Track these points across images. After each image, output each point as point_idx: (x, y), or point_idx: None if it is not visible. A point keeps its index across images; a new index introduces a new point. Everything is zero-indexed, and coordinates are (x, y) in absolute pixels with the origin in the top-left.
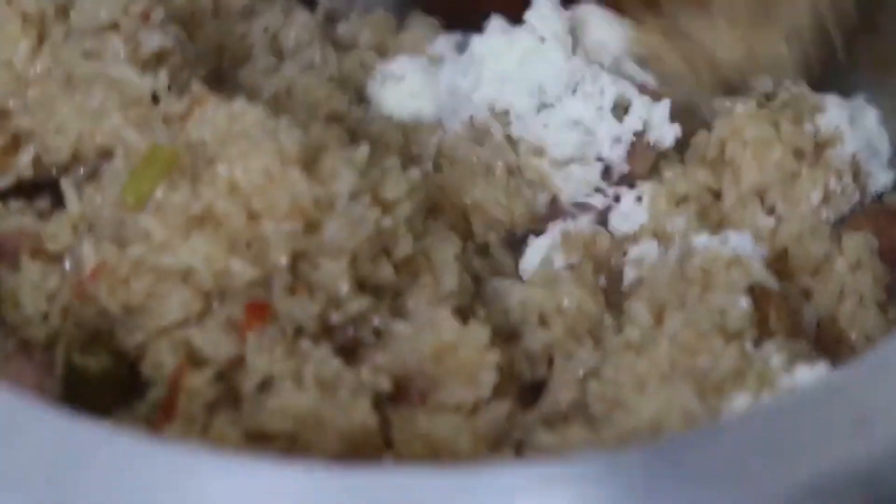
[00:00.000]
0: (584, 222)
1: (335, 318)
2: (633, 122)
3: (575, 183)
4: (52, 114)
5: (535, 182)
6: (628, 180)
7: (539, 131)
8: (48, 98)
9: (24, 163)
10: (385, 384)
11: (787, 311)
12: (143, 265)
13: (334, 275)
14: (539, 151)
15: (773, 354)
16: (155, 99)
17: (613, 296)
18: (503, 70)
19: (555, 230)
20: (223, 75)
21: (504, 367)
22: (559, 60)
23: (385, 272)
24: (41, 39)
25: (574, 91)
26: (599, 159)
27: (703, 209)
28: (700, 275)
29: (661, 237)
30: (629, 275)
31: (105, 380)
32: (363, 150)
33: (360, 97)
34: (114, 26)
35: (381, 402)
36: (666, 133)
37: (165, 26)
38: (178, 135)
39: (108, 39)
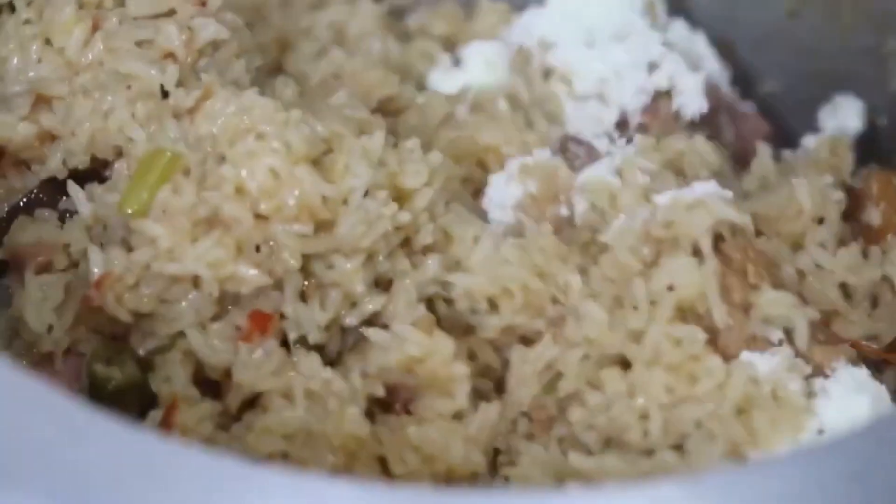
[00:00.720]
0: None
1: (350, 319)
2: (660, 78)
3: (588, 119)
4: (70, 116)
5: (554, 114)
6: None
7: (572, 63)
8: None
9: (56, 161)
10: (379, 390)
11: (763, 258)
12: (150, 271)
13: (350, 274)
14: (566, 81)
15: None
16: (165, 93)
17: (567, 231)
18: (567, 7)
19: (513, 165)
20: (282, 66)
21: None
22: (623, 9)
23: (402, 266)
24: (95, 27)
25: (622, 41)
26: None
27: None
28: (663, 233)
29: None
30: (579, 205)
31: (129, 390)
32: (378, 138)
33: (421, 86)
34: (170, 13)
35: (371, 412)
36: (692, 102)
37: (222, 14)
38: (188, 129)
39: (164, 27)
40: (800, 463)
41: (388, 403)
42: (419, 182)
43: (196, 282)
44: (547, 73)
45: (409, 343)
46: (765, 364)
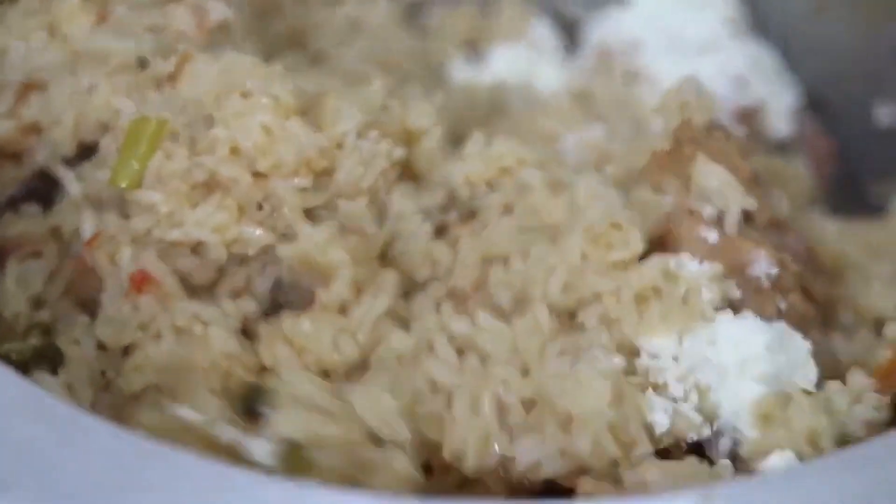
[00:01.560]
0: None
1: None
2: (748, 95)
3: None
4: (50, 103)
5: (637, 119)
6: None
7: (659, 69)
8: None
9: (44, 154)
10: (251, 306)
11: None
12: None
13: (357, 213)
14: (650, 81)
15: None
16: (143, 64)
17: None
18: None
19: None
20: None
21: None
22: (712, 21)
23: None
24: (102, 17)
25: (709, 52)
26: None
27: None
28: None
29: None
30: None
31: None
32: (375, 86)
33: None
34: None
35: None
36: (778, 123)
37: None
38: (172, 96)
39: (173, 11)
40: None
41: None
42: (427, 122)
43: (196, 248)
44: (629, 77)
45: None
46: (693, 268)
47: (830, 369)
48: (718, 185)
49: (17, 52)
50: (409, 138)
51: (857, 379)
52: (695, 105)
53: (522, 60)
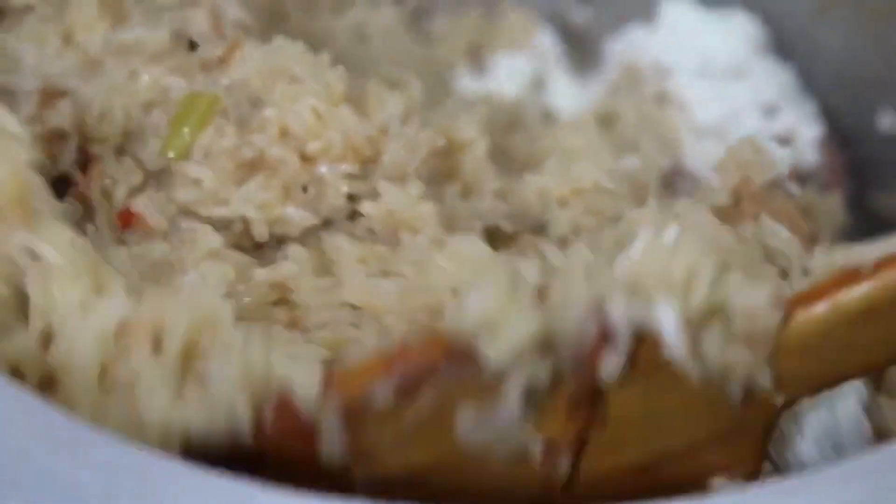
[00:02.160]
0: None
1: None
2: (779, 125)
3: (703, 155)
4: (90, 104)
5: (669, 142)
6: None
7: (689, 90)
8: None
9: (66, 160)
10: None
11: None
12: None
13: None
14: (683, 108)
15: None
16: (192, 46)
17: None
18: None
19: None
20: None
21: None
22: (738, 41)
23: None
24: (118, 23)
25: (740, 78)
26: None
27: None
28: None
29: None
30: None
31: None
32: (415, 86)
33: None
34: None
35: None
36: (808, 154)
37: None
38: (220, 79)
39: (189, 15)
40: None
41: None
42: (473, 133)
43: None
44: (659, 99)
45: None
46: None
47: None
48: (782, 246)
49: (32, 59)
50: (452, 147)
51: None
52: (755, 164)
53: (529, 72)
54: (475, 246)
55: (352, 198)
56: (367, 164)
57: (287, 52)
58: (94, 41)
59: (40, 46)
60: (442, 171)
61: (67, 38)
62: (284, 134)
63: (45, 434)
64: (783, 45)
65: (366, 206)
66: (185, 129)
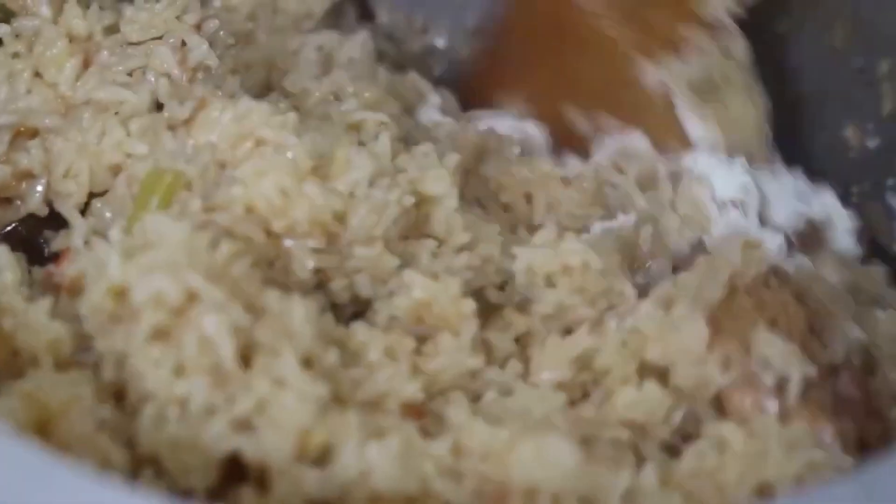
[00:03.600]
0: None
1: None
2: (815, 208)
3: (728, 228)
4: (59, 157)
5: (691, 218)
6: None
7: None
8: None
9: (35, 200)
10: None
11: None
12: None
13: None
14: (702, 183)
15: None
16: (159, 107)
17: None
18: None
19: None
20: (272, 85)
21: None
22: None
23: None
24: (87, 62)
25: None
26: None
27: None
28: None
29: None
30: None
31: None
32: (383, 140)
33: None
34: (165, 35)
35: None
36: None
37: (216, 36)
38: (186, 141)
39: (157, 49)
40: None
41: None
42: (443, 187)
43: None
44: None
45: (414, 288)
46: None
47: None
48: (779, 355)
49: (2, 94)
50: (422, 200)
51: None
52: (748, 258)
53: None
54: (561, 450)
55: (319, 271)
56: (334, 236)
57: (253, 114)
58: (64, 78)
59: (11, 82)
60: (411, 226)
61: (38, 74)
62: (250, 210)
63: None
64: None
65: (398, 301)
66: (151, 206)
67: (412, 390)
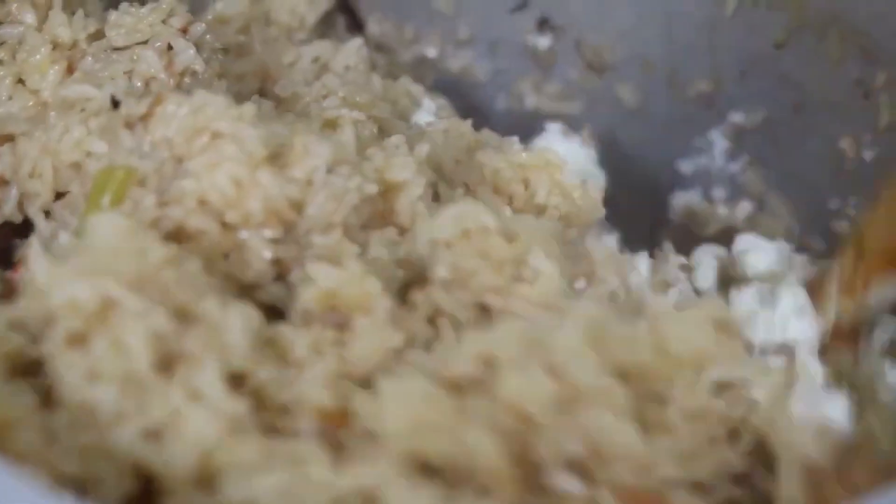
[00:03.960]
0: None
1: None
2: None
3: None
4: (24, 157)
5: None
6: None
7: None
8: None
9: (10, 207)
10: None
11: None
12: None
13: (330, 247)
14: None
15: None
16: (115, 104)
17: None
18: None
19: None
20: (266, 94)
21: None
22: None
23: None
24: (71, 68)
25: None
26: None
27: None
28: None
29: None
30: None
31: None
32: (347, 130)
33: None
34: (148, 41)
35: None
36: None
37: (202, 40)
38: (143, 136)
39: (143, 54)
40: None
41: None
42: (407, 174)
43: None
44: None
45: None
46: None
47: None
48: None
49: None
50: (388, 188)
51: None
52: None
53: None
54: None
55: (277, 262)
56: (291, 225)
57: (209, 108)
58: (46, 84)
59: None
60: (376, 216)
61: (21, 81)
62: (203, 203)
63: None
64: None
65: (303, 293)
66: (103, 204)
67: (326, 397)
